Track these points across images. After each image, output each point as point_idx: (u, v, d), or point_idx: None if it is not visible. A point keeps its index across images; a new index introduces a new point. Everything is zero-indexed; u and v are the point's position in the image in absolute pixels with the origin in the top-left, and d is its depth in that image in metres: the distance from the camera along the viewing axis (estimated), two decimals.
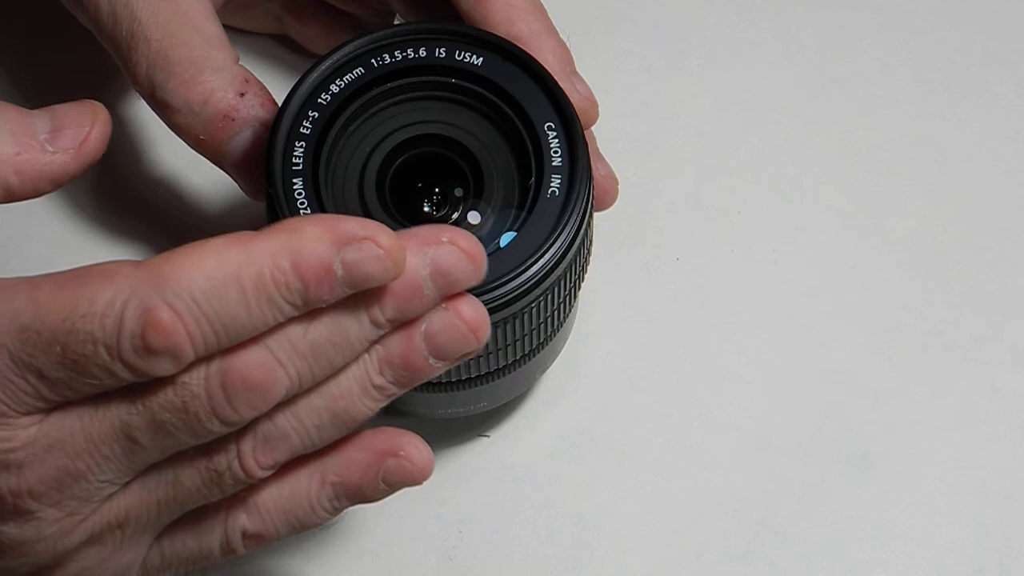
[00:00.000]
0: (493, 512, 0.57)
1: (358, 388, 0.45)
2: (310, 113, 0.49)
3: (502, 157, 0.50)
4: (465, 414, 0.55)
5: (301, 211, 0.48)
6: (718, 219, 0.62)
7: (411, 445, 0.46)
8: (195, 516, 0.46)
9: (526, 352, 0.51)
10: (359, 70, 0.50)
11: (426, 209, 0.50)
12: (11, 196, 0.46)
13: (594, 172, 0.52)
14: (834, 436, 0.59)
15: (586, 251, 0.51)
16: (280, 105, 0.49)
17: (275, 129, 0.49)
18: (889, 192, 0.63)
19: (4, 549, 0.44)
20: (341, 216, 0.42)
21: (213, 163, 0.52)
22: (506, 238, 0.48)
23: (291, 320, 0.42)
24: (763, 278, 0.61)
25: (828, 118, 0.64)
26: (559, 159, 0.49)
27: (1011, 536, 0.58)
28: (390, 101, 0.50)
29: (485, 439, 0.58)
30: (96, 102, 0.47)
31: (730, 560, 0.57)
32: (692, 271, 0.61)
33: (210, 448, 0.44)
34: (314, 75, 0.49)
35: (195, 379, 0.42)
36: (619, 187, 0.54)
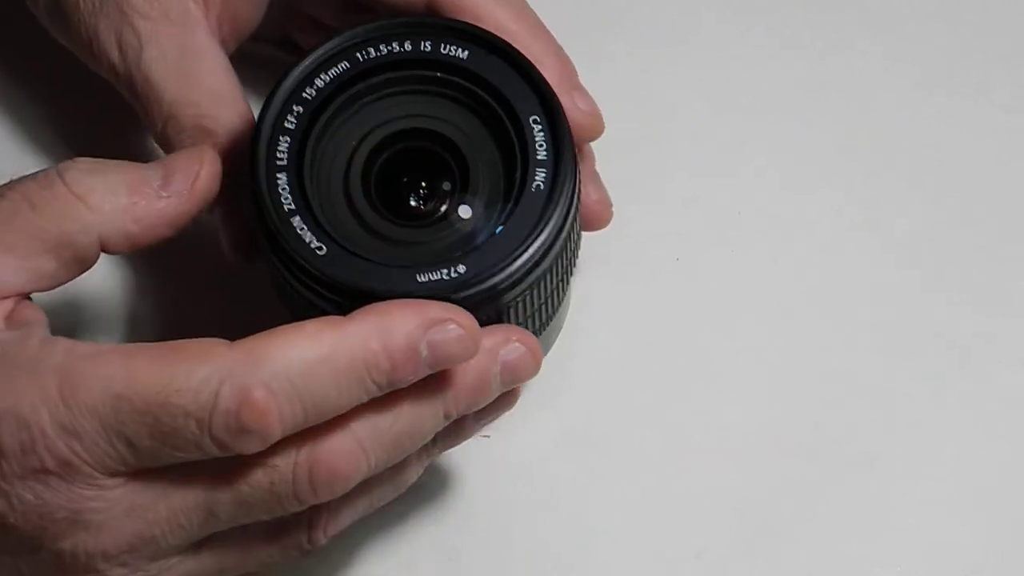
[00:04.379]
0: (493, 512, 0.57)
1: (416, 462, 0.49)
2: (294, 108, 0.49)
3: (488, 151, 0.50)
4: None
5: (285, 206, 0.47)
6: (718, 219, 0.62)
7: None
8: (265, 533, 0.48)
9: None
10: (344, 64, 0.49)
11: (412, 203, 0.50)
12: (134, 244, 0.47)
13: (585, 197, 0.52)
14: (834, 436, 0.59)
15: (573, 245, 0.51)
16: (264, 100, 0.49)
17: (259, 124, 0.48)
18: (889, 192, 0.63)
19: None
20: (424, 301, 0.45)
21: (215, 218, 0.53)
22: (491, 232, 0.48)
23: (377, 412, 0.45)
24: (763, 278, 0.61)
25: (828, 118, 0.64)
26: (544, 152, 0.48)
27: (1011, 536, 0.58)
28: (375, 95, 0.50)
29: (485, 439, 0.58)
30: (204, 146, 0.49)
31: (730, 560, 0.57)
32: (692, 271, 0.61)
33: (280, 523, 0.47)
34: (298, 70, 0.49)
35: (284, 463, 0.44)
36: (612, 210, 0.55)
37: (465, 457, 0.57)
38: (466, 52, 0.50)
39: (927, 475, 0.58)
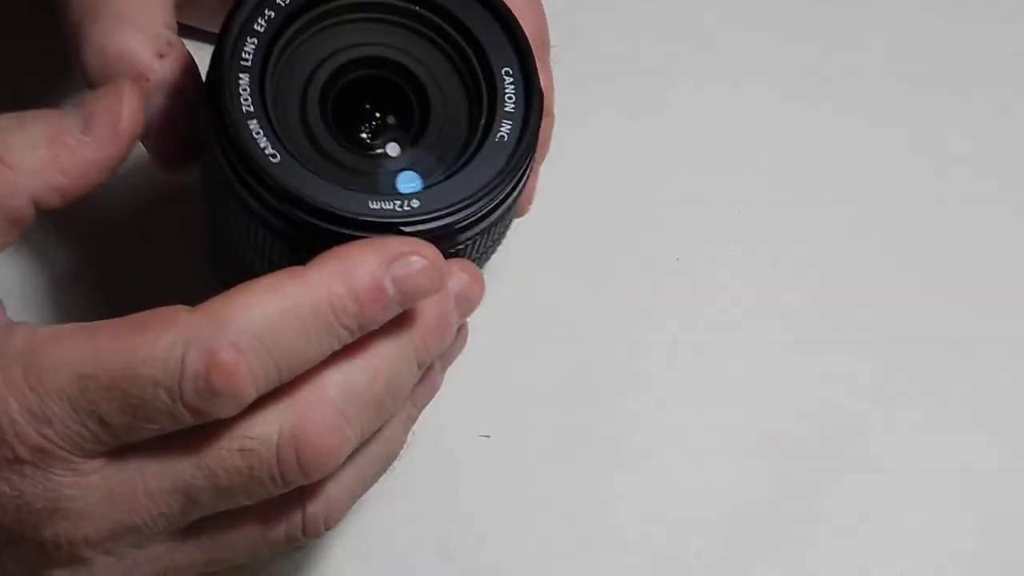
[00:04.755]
0: (493, 512, 0.57)
1: (401, 426, 0.47)
2: (266, 11, 0.47)
3: (454, 94, 0.49)
4: None
5: (244, 107, 0.46)
6: (718, 219, 0.62)
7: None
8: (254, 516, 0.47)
9: None
10: None
11: (363, 135, 0.49)
12: (67, 197, 0.46)
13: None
14: (834, 436, 0.59)
15: (515, 202, 0.50)
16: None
17: (228, 21, 0.47)
18: (889, 192, 0.63)
19: None
20: (383, 237, 0.44)
21: None
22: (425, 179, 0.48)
23: (352, 374, 0.44)
24: (763, 278, 0.61)
25: (828, 118, 0.64)
26: (512, 105, 0.48)
27: (1011, 536, 0.58)
28: (352, 16, 0.49)
29: (485, 439, 0.58)
30: (122, 82, 0.47)
31: (730, 560, 0.57)
32: (692, 271, 0.61)
33: (270, 511, 0.46)
34: None
35: (264, 446, 0.43)
36: (534, 197, 0.54)
37: (465, 457, 0.57)
38: None
39: (927, 475, 0.59)
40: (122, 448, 0.43)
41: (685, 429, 0.59)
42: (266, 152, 0.45)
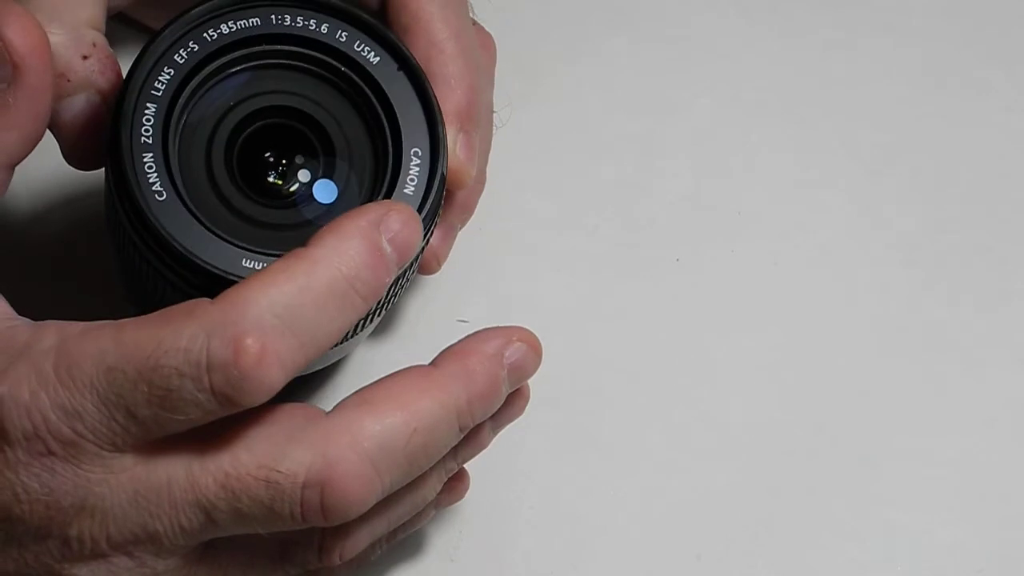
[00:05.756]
0: (493, 512, 0.57)
1: (436, 478, 0.48)
2: (191, 45, 0.47)
3: (362, 155, 0.49)
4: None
5: (143, 137, 0.46)
6: (718, 219, 0.62)
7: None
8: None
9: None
10: (255, 20, 0.48)
11: (271, 179, 0.49)
12: (29, 141, 0.46)
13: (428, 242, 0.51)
14: (834, 436, 0.59)
15: (407, 279, 0.50)
16: (126, 75, 0.47)
17: (149, 43, 0.46)
18: (889, 192, 0.63)
19: None
20: (362, 206, 0.45)
21: None
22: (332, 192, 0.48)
23: (389, 431, 0.44)
24: (763, 278, 0.61)
25: (828, 118, 0.64)
26: (411, 188, 0.48)
27: (1011, 536, 0.58)
28: (272, 62, 0.49)
29: None
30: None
31: (730, 560, 0.57)
32: (692, 271, 0.61)
33: (287, 544, 0.46)
34: (178, 24, 0.47)
35: (289, 484, 0.43)
36: (439, 262, 0.54)
37: None
38: (378, 58, 0.48)
39: (927, 475, 0.58)
40: (153, 450, 0.44)
41: (685, 429, 0.59)
42: (154, 188, 0.45)
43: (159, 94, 0.47)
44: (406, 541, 0.56)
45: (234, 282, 0.44)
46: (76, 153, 0.49)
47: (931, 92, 0.65)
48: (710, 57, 0.65)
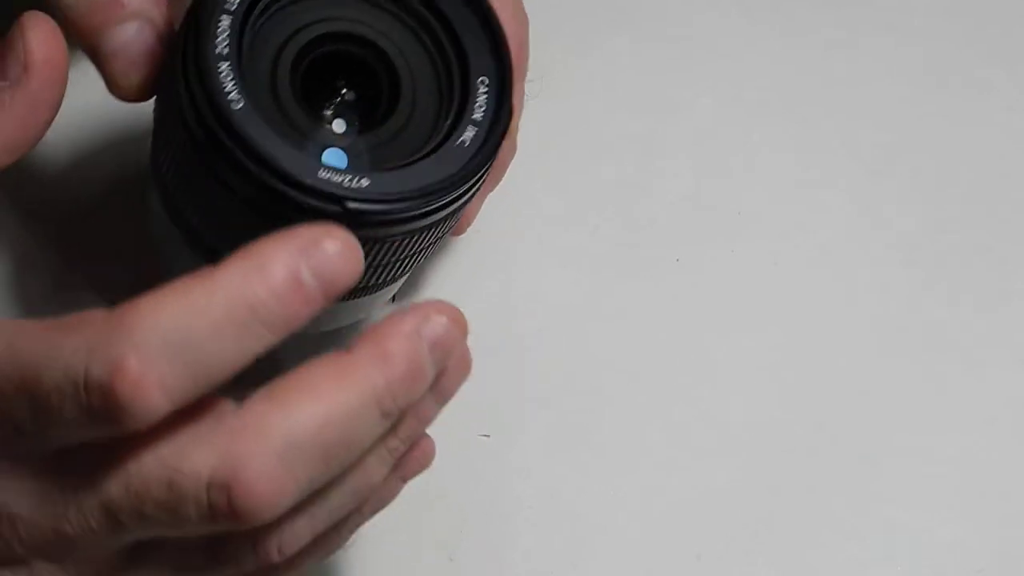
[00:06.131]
0: (493, 512, 0.57)
1: (376, 462, 0.44)
2: None
3: (425, 91, 0.48)
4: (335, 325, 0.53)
5: (218, 47, 0.45)
6: (718, 219, 0.62)
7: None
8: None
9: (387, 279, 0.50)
10: None
11: (325, 110, 0.48)
12: (12, 150, 0.45)
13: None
14: (834, 436, 0.59)
15: (457, 215, 0.49)
16: None
17: (198, 6, 0.46)
18: (889, 192, 0.63)
19: None
20: (293, 229, 0.41)
21: (86, 51, 0.49)
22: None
23: (296, 424, 0.41)
24: (763, 278, 0.61)
25: (829, 118, 0.64)
26: (481, 114, 0.47)
27: (1011, 536, 0.58)
28: None
29: (485, 439, 0.58)
30: (27, 12, 0.45)
31: (730, 559, 0.57)
32: (692, 271, 0.61)
33: (216, 543, 0.43)
34: None
35: (192, 484, 0.40)
36: (473, 219, 0.52)
37: (465, 457, 0.57)
38: None
39: (927, 475, 0.59)
40: (59, 455, 0.41)
41: (685, 428, 0.59)
42: (230, 97, 0.45)
43: (232, 8, 0.46)
44: (406, 540, 0.56)
45: (323, 193, 0.43)
46: (124, 84, 0.47)
47: (932, 92, 0.65)
48: (711, 57, 0.65)
